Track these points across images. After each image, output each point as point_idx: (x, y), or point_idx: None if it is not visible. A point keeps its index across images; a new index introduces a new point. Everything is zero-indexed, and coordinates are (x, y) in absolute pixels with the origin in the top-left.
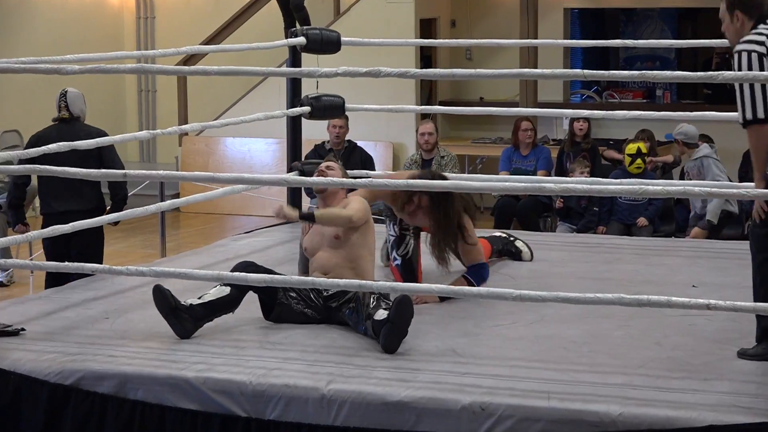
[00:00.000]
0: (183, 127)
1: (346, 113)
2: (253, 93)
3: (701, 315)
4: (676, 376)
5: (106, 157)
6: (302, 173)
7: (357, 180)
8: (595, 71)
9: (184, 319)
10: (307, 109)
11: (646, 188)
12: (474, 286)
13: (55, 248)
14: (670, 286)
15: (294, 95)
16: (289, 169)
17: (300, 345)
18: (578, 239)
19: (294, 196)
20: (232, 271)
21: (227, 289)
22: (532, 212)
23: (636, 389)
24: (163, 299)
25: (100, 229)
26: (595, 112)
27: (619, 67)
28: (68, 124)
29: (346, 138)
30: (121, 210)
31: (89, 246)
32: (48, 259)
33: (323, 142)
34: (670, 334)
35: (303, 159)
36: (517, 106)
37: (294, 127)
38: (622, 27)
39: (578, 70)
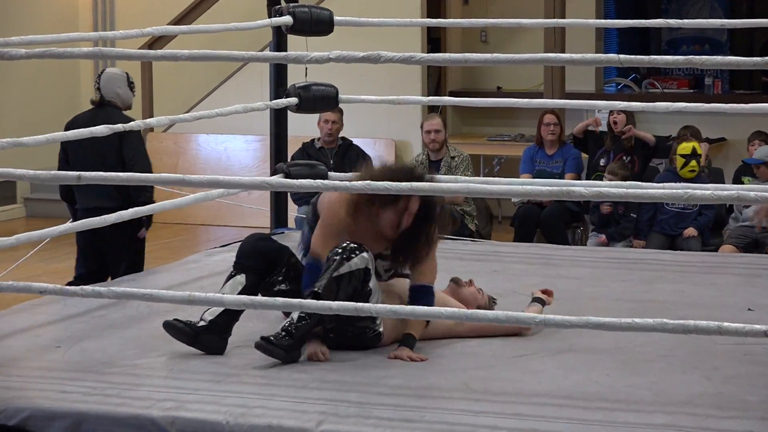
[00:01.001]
0: (148, 121)
1: (340, 106)
2: (231, 82)
3: (758, 343)
4: (728, 415)
5: (126, 151)
6: (288, 176)
7: (356, 183)
8: (632, 56)
9: (210, 341)
10: (293, 100)
11: (692, 193)
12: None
13: (86, 249)
14: (721, 309)
15: (278, 84)
16: (273, 172)
17: (286, 378)
18: (613, 254)
19: (278, 203)
20: (241, 245)
21: (241, 279)
22: (558, 222)
23: (681, 431)
24: (180, 333)
25: (132, 231)
26: (633, 104)
27: (662, 52)
28: (98, 110)
29: (340, 135)
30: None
31: (121, 248)
32: (80, 263)
33: (313, 140)
34: (722, 366)
35: (289, 159)
36: (542, 98)
37: (278, 121)
38: (665, 4)
39: (613, 55)
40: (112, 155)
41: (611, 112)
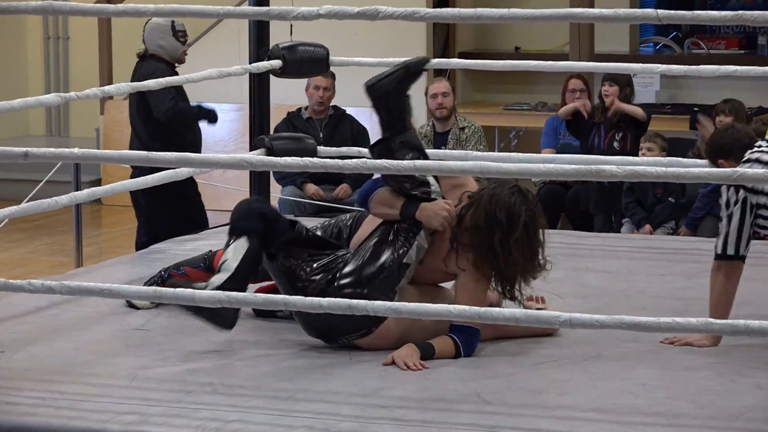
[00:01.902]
0: (106, 88)
1: (332, 69)
2: (203, 42)
3: None
4: None
5: (151, 105)
6: (270, 152)
7: (349, 161)
8: (673, 11)
9: (220, 311)
10: (277, 63)
11: (743, 172)
12: (461, 352)
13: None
14: None
15: (259, 45)
16: (253, 146)
17: (268, 388)
18: (651, 243)
19: (259, 183)
20: (234, 209)
21: (243, 242)
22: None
23: None
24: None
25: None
26: (674, 67)
27: (707, 7)
28: (140, 63)
29: (332, 104)
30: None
31: (154, 215)
32: (141, 232)
33: (299, 110)
34: None
35: (271, 132)
36: (567, 60)
37: (259, 88)
38: None
39: (650, 10)
40: (142, 112)
41: (602, 83)
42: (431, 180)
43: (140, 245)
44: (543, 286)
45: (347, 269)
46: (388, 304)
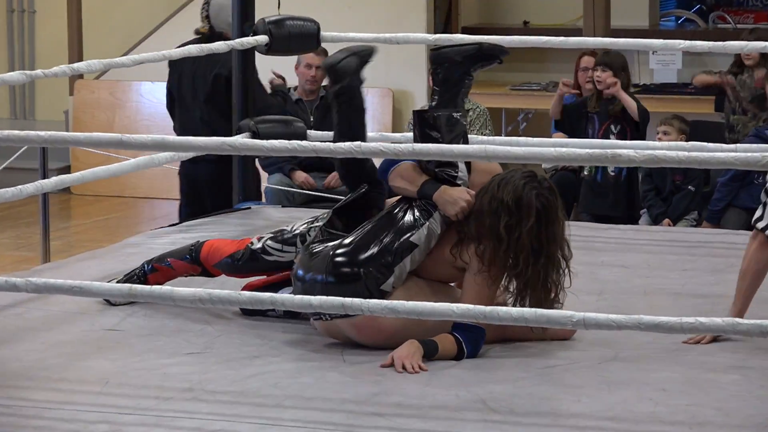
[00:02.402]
0: (76, 65)
1: (323, 46)
2: (182, 15)
3: None
4: None
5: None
6: (256, 135)
7: (341, 144)
8: None
9: None
10: (263, 39)
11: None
12: (464, 351)
13: (189, 199)
14: None
15: (243, 19)
16: (237, 130)
17: (254, 394)
18: (673, 235)
19: (244, 170)
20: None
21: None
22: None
23: None
24: None
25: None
26: (698, 43)
27: None
28: (205, 42)
29: (324, 84)
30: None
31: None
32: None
33: (288, 90)
34: None
35: (256, 114)
36: (580, 35)
37: (243, 66)
38: None
39: None
40: (221, 101)
41: (594, 68)
42: (461, 166)
43: (186, 217)
44: None
45: (348, 240)
46: (384, 302)
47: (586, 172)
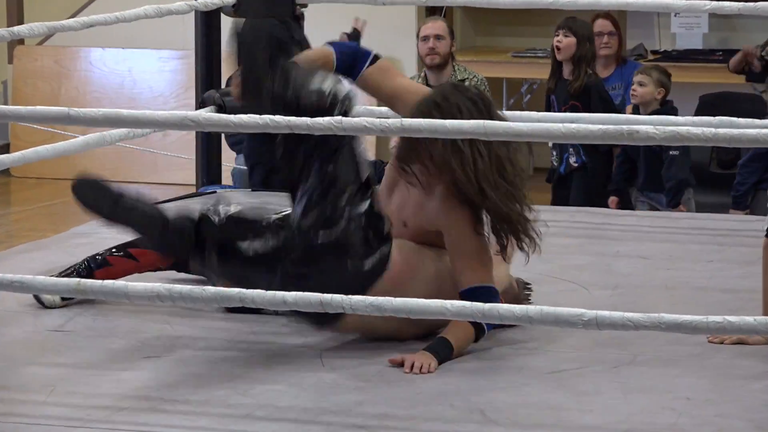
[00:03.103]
0: (16, 29)
1: (299, 4)
2: None
3: None
4: None
5: None
6: (222, 109)
7: (320, 119)
8: None
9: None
10: None
11: None
12: (483, 328)
13: None
14: None
15: None
16: (201, 103)
17: (221, 403)
18: (696, 223)
19: (208, 149)
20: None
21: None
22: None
23: None
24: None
25: None
26: (726, 4)
27: None
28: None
29: None
30: None
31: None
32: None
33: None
34: None
35: (223, 85)
36: None
37: (208, 30)
38: None
39: None
40: None
41: (556, 31)
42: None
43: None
44: (562, 274)
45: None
46: (369, 299)
47: (555, 163)
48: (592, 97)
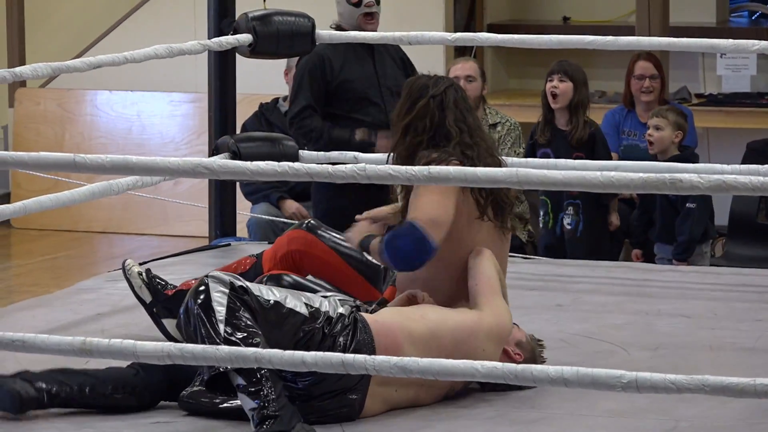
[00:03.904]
0: (18, 70)
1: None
2: (146, 9)
3: None
4: None
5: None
6: (237, 156)
7: (341, 167)
8: None
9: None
10: (246, 38)
11: None
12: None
13: None
14: None
15: (222, 14)
16: (214, 150)
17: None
18: (744, 278)
19: (222, 199)
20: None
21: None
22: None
23: None
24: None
25: None
26: None
27: None
28: None
29: None
30: None
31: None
32: None
33: (276, 100)
34: None
35: (239, 130)
36: (632, 34)
37: (222, 72)
38: None
39: None
40: None
41: (550, 77)
42: None
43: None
44: (599, 334)
45: None
46: (394, 359)
47: (542, 222)
48: (596, 147)
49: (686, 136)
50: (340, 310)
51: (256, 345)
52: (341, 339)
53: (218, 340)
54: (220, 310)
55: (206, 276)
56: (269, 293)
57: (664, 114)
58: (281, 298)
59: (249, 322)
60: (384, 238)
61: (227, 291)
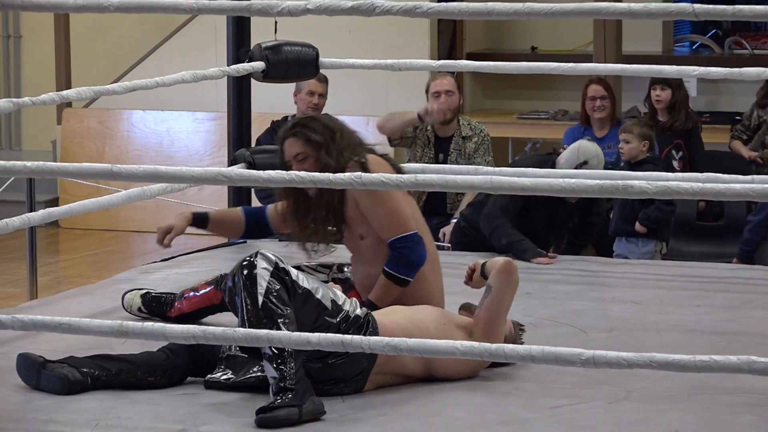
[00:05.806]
0: (65, 93)
1: (323, 73)
2: (175, 40)
3: None
4: None
5: None
6: (252, 166)
7: (341, 175)
8: (711, 6)
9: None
10: (259, 65)
11: None
12: (401, 278)
13: None
14: None
15: (239, 44)
16: (232, 161)
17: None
18: (686, 271)
19: (239, 203)
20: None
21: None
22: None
23: None
24: (29, 365)
25: None
26: (713, 69)
27: (750, 1)
28: None
29: (324, 111)
30: None
31: None
32: None
33: (286, 118)
34: None
35: (254, 144)
36: (590, 61)
37: (239, 94)
38: None
39: (686, 5)
40: None
41: (653, 86)
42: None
43: None
44: (562, 318)
45: None
46: (386, 339)
47: None
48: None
49: (654, 143)
50: (358, 311)
51: (286, 316)
52: (351, 333)
53: (258, 306)
54: (262, 283)
55: (257, 252)
56: (305, 282)
57: (630, 129)
58: (313, 288)
59: (284, 297)
60: (401, 261)
61: (271, 269)
